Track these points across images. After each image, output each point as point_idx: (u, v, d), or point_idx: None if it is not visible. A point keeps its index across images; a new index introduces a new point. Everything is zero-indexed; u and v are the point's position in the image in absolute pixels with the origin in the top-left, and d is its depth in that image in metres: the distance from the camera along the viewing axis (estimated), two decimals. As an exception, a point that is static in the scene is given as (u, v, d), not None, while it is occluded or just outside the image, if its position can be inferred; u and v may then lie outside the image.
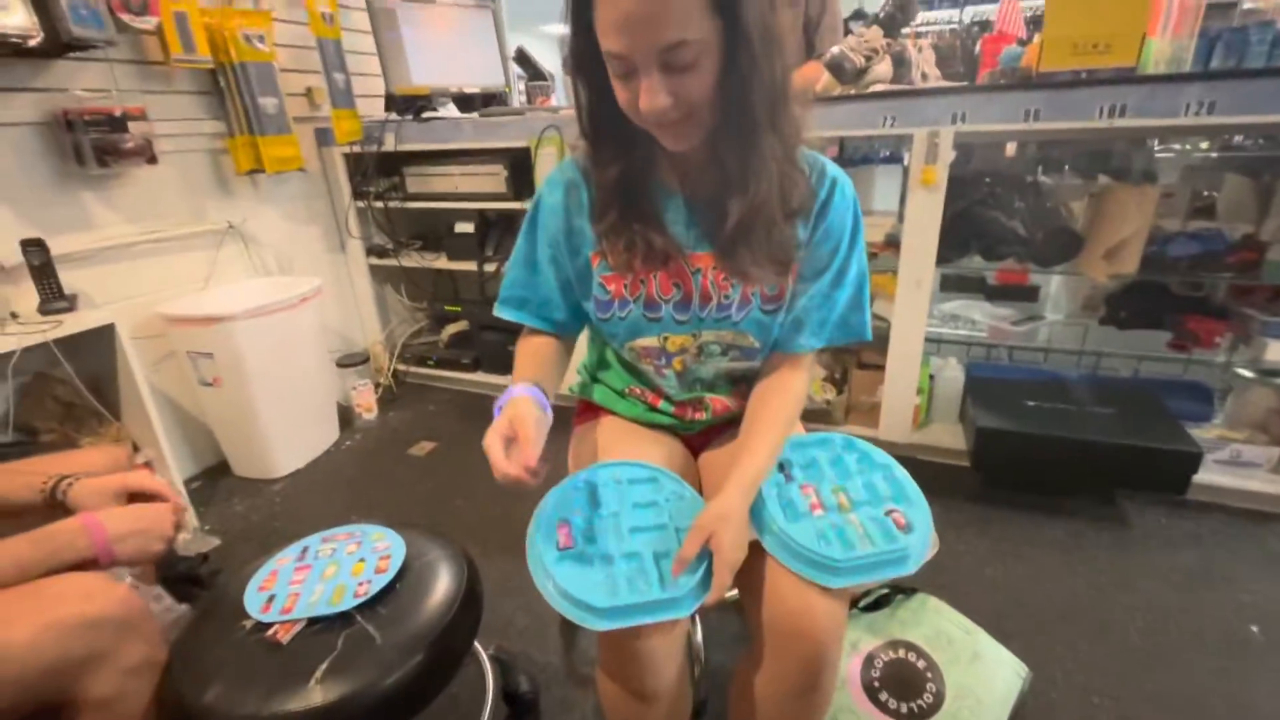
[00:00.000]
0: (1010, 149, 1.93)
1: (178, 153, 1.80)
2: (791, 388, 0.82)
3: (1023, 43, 1.51)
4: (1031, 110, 1.39)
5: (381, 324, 2.50)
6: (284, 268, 2.16)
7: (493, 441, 0.67)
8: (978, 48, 1.61)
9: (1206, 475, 1.51)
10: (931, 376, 1.82)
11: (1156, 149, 1.89)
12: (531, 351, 0.85)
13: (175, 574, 1.45)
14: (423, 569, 0.88)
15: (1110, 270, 1.45)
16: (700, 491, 0.90)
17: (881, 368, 1.81)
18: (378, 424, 2.25)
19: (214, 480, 1.93)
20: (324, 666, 0.71)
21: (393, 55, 2.02)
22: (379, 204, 2.24)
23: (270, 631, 0.76)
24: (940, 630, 1.08)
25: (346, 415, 2.23)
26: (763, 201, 0.70)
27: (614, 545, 0.71)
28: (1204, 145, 1.72)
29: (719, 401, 0.90)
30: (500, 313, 0.87)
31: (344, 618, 0.78)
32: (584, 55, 0.68)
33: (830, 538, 0.70)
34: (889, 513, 0.72)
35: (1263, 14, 1.47)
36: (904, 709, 1.00)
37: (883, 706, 1.01)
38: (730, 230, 0.72)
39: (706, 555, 0.68)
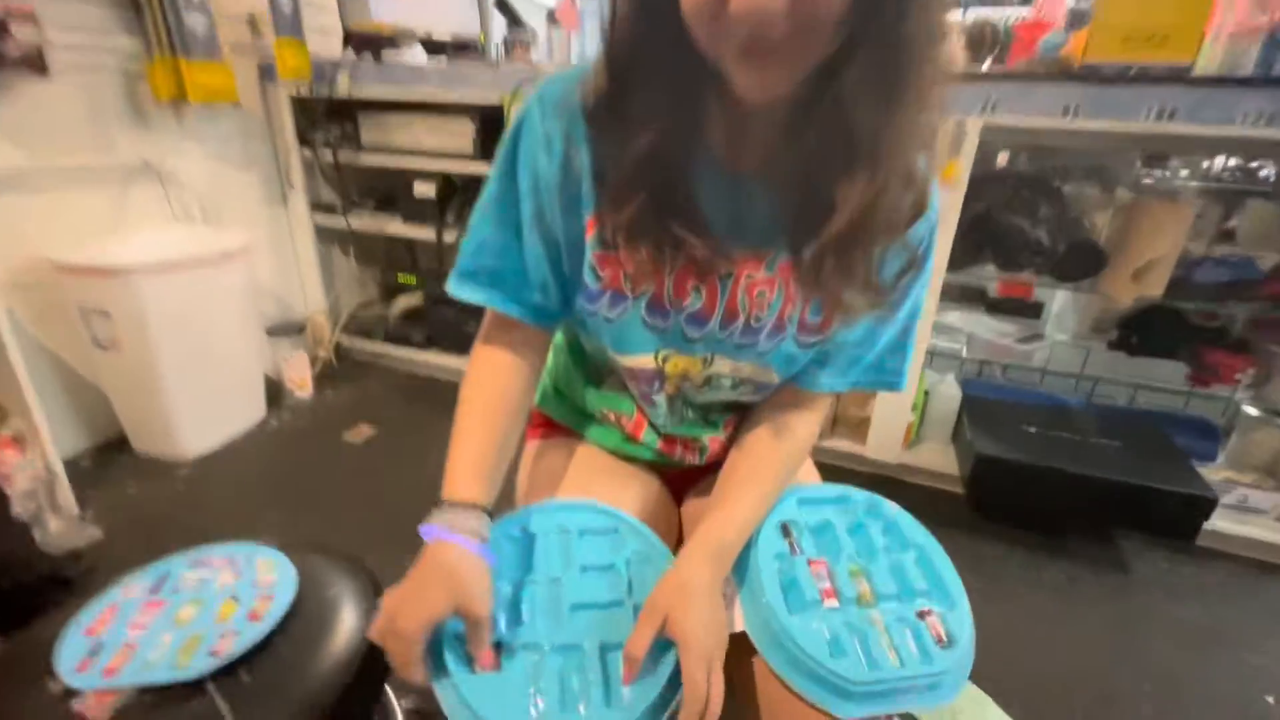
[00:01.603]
0: (1002, 158, 1.79)
1: (81, 70, 1.52)
2: (797, 432, 0.64)
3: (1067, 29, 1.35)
4: (1071, 106, 1.24)
5: (325, 291, 2.24)
6: (211, 217, 1.89)
7: (410, 639, 0.47)
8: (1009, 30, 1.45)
9: (1211, 520, 1.40)
10: (926, 393, 1.68)
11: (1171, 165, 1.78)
12: (497, 389, 0.61)
13: (34, 577, 1.21)
14: (318, 611, 0.67)
15: (1137, 291, 1.32)
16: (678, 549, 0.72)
17: (873, 380, 1.66)
18: (312, 403, 2.00)
19: (108, 458, 1.66)
20: (145, 766, 0.51)
21: (352, -17, 1.76)
22: (328, 152, 1.99)
23: (80, 703, 0.55)
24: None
25: (276, 391, 1.98)
26: (892, 195, 0.48)
27: (545, 629, 0.51)
28: (1229, 163, 1.61)
29: (718, 443, 0.71)
30: (459, 291, 0.61)
31: (190, 687, 0.57)
32: None
33: (846, 646, 0.51)
34: (923, 614, 0.54)
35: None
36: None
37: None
38: (840, 230, 0.48)
39: (666, 649, 0.49)
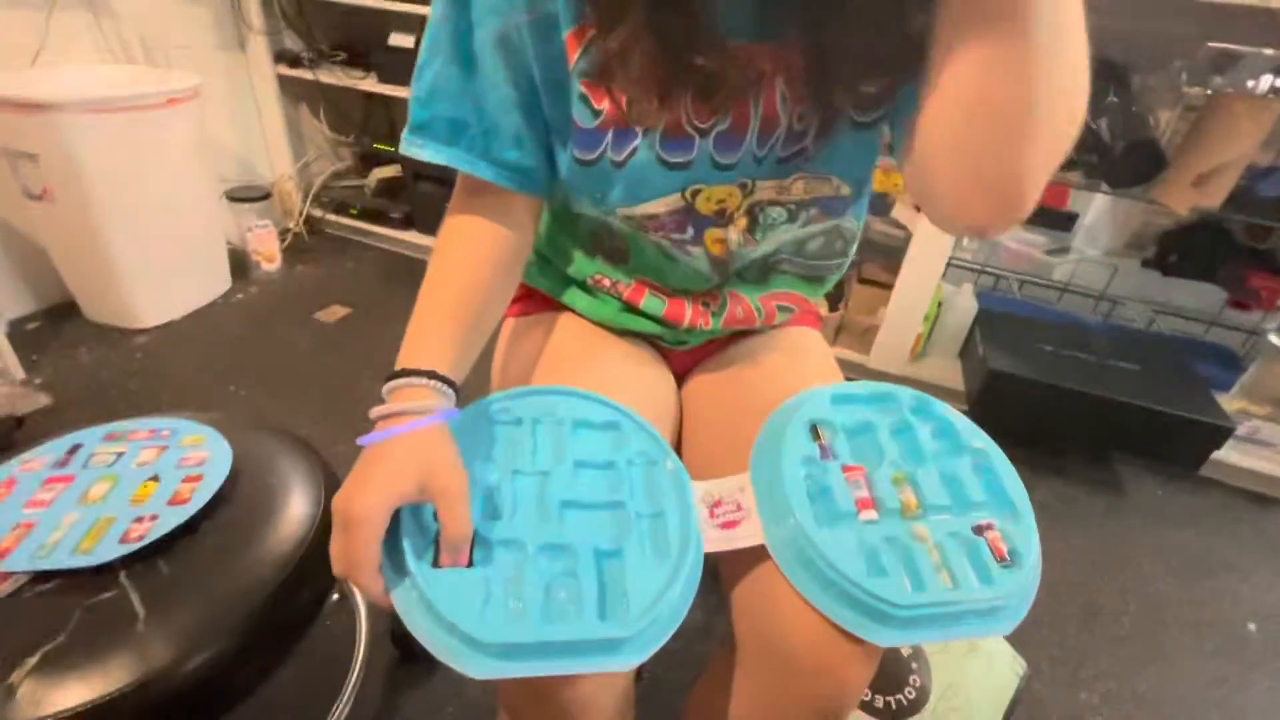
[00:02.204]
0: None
1: None
2: None
3: None
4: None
5: (294, 155, 2.03)
6: (154, 57, 1.65)
7: (367, 521, 0.36)
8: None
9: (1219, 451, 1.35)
10: (940, 304, 1.57)
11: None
12: (460, 265, 0.49)
13: (-30, 440, 1.12)
14: (256, 498, 0.59)
15: (1195, 200, 1.19)
16: (679, 443, 0.62)
17: (886, 285, 1.54)
18: (281, 277, 1.86)
19: (58, 323, 1.54)
20: (34, 660, 0.43)
21: None
22: (289, -11, 1.72)
23: (-37, 588, 0.47)
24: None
25: (242, 263, 1.84)
26: None
27: (529, 526, 0.42)
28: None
29: (741, 307, 0.59)
30: (413, 149, 0.48)
31: (98, 576, 0.49)
32: None
33: (886, 564, 0.42)
34: (981, 529, 0.44)
35: None
36: (879, 703, 0.82)
37: (854, 696, 0.83)
38: None
39: None
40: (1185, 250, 1.44)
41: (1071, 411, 1.31)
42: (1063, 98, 0.37)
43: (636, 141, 0.45)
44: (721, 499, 0.48)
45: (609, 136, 0.45)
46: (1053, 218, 1.71)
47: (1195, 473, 1.39)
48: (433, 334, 0.46)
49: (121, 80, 1.47)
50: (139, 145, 1.38)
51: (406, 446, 0.40)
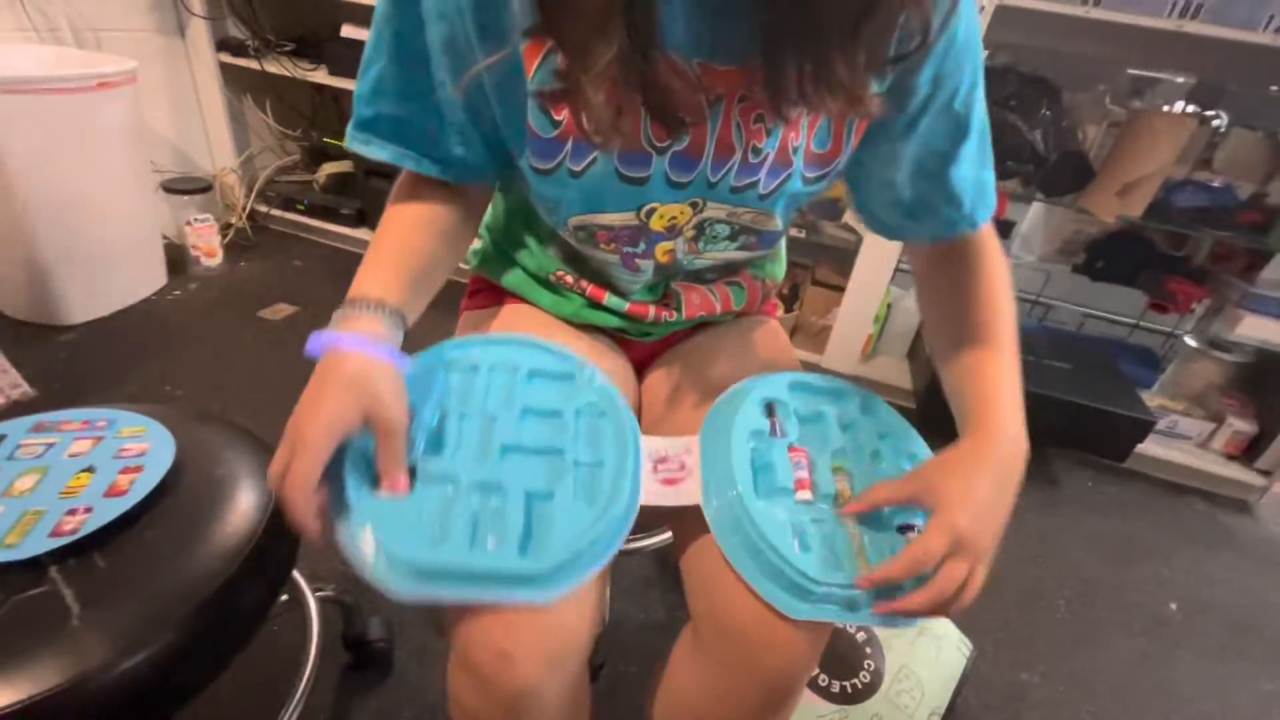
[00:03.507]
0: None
1: None
2: (985, 265, 0.52)
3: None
4: (1094, -11, 1.12)
5: (237, 148, 1.95)
6: (85, 40, 1.56)
7: (312, 446, 0.38)
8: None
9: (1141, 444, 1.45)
10: (889, 306, 1.64)
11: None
12: (405, 228, 0.49)
13: None
14: (201, 491, 0.56)
15: (1120, 209, 1.27)
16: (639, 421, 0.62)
17: (838, 288, 1.59)
18: (222, 274, 1.78)
19: (-30, 319, 1.43)
20: (-47, 663, 0.40)
21: None
22: (234, -25, 1.66)
23: None
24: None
25: (180, 258, 1.75)
26: None
27: (466, 464, 0.44)
28: (1189, 109, 1.53)
29: (697, 295, 0.61)
30: (358, 145, 0.48)
31: (26, 569, 0.46)
32: None
33: (812, 543, 0.44)
34: (904, 529, 0.47)
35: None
36: (835, 687, 0.84)
37: (811, 683, 0.85)
38: (832, 11, 0.36)
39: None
40: (1111, 257, 1.54)
41: (1011, 408, 1.38)
42: None
43: (596, 153, 0.45)
44: (668, 455, 0.49)
45: (568, 146, 0.45)
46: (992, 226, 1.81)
47: (1121, 465, 1.48)
48: (378, 272, 0.46)
49: (47, 61, 1.39)
50: (66, 131, 1.30)
51: (351, 373, 0.40)
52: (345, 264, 1.92)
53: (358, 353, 0.41)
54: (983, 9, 1.17)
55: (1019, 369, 0.49)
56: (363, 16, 1.67)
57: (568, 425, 0.47)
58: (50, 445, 0.56)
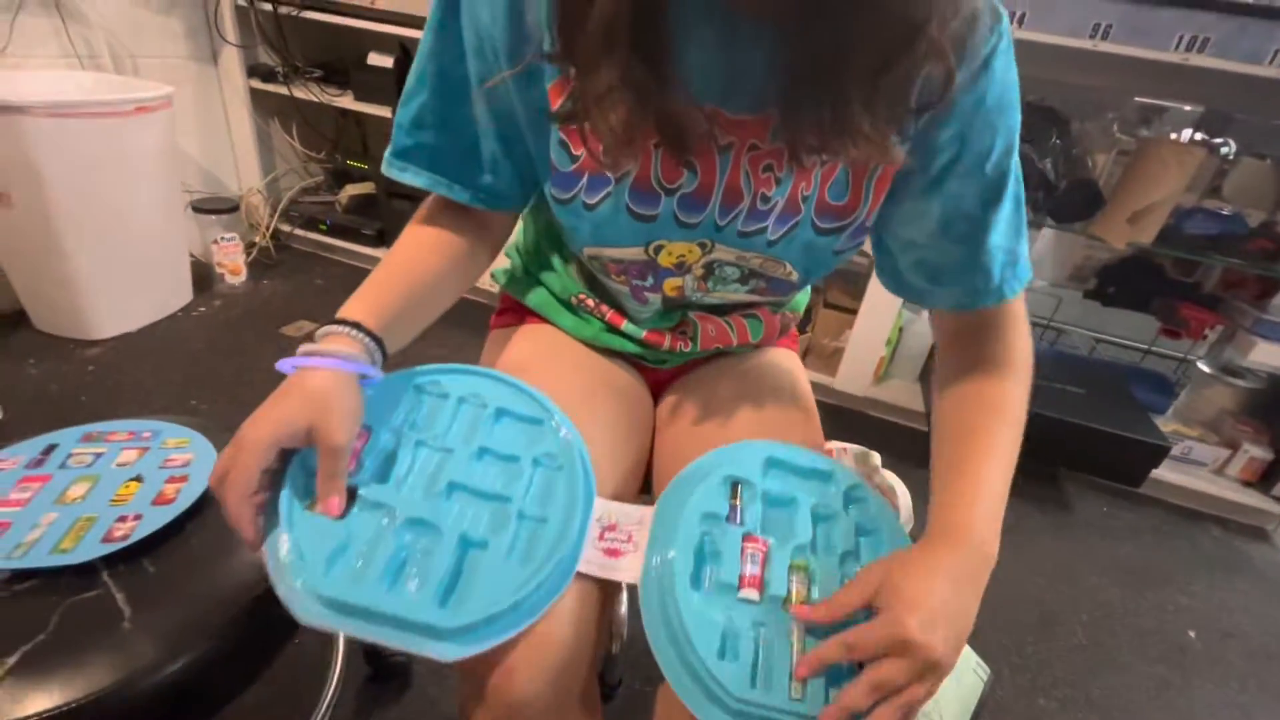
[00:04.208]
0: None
1: None
2: (1007, 352, 0.51)
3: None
4: (1102, 26, 1.15)
5: (263, 169, 2.00)
6: (123, 65, 1.62)
7: (250, 450, 0.39)
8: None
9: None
10: (900, 329, 1.65)
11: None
12: (416, 250, 0.52)
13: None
14: (241, 499, 0.58)
15: (1130, 236, 1.29)
16: (651, 459, 0.63)
17: (850, 310, 1.61)
18: (246, 291, 1.82)
19: (3, 333, 1.47)
20: (13, 660, 0.42)
21: None
22: (267, 5, 1.72)
23: (-70, 587, 0.45)
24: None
25: (205, 275, 1.79)
26: (925, 20, 0.36)
27: (408, 496, 0.43)
28: (1197, 135, 1.55)
29: (713, 325, 0.61)
30: (395, 172, 0.51)
31: (80, 573, 0.48)
32: None
33: (741, 648, 0.40)
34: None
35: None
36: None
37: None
38: (855, 59, 0.38)
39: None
40: (1122, 283, 1.55)
41: (1025, 431, 1.38)
42: None
43: (609, 188, 0.47)
44: (617, 524, 0.47)
45: (584, 180, 0.47)
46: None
47: (1136, 490, 1.47)
48: (369, 295, 0.48)
49: (88, 86, 1.44)
50: (104, 153, 1.35)
51: (311, 387, 0.42)
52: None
53: (321, 368, 0.42)
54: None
55: (1009, 478, 0.47)
56: (388, 45, 1.73)
57: (522, 472, 0.46)
58: (99, 455, 0.58)
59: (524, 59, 0.43)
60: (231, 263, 1.80)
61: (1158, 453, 1.31)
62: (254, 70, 1.85)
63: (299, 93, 1.83)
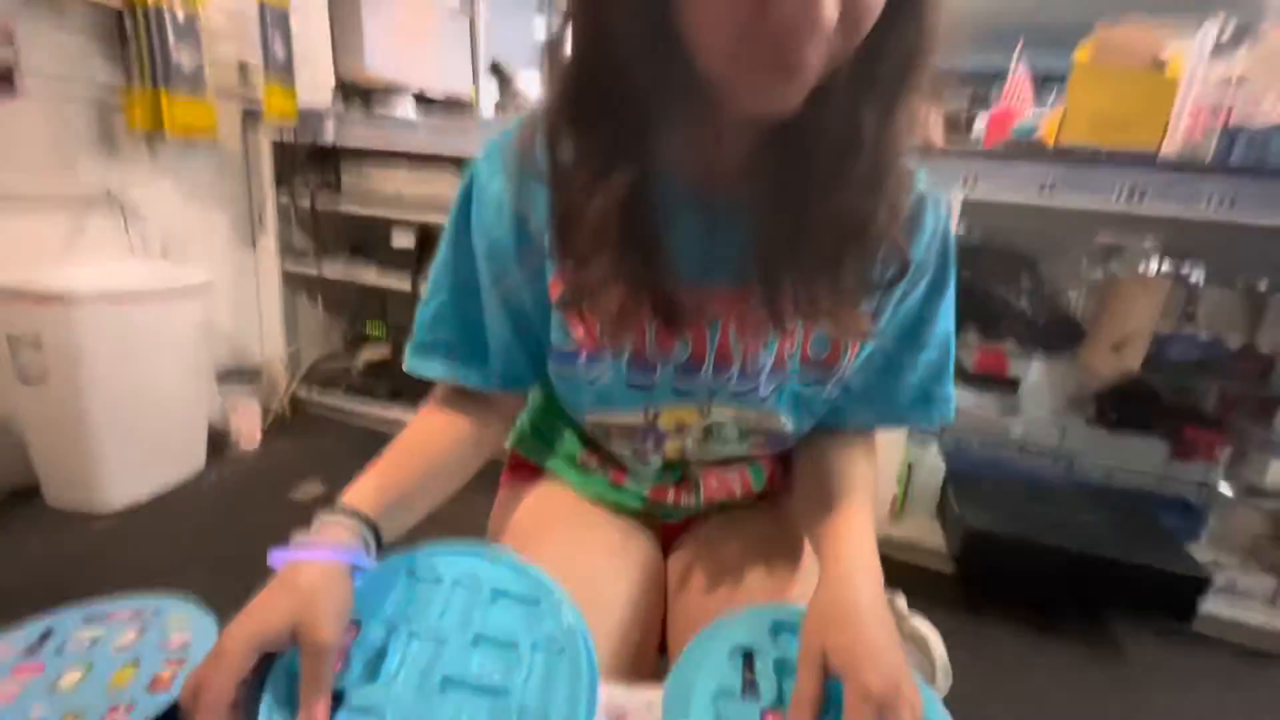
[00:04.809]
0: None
1: (53, 94, 1.47)
2: (856, 462, 0.57)
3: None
4: (1047, 183, 1.29)
5: (287, 339, 2.13)
6: (173, 254, 1.80)
7: (227, 659, 0.37)
8: (982, 122, 1.54)
9: (1204, 603, 1.35)
10: (910, 465, 1.64)
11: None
12: (425, 432, 0.55)
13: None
14: (237, 682, 0.55)
15: (1117, 364, 1.33)
16: (666, 616, 0.62)
17: (857, 448, 1.61)
18: (259, 456, 1.85)
19: (12, 510, 1.47)
20: None
21: (348, 35, 1.79)
22: (305, 197, 1.94)
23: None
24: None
25: (220, 441, 1.83)
26: (870, 214, 0.43)
27: (400, 698, 0.40)
28: (1164, 266, 1.67)
29: (715, 479, 0.63)
30: (418, 368, 0.56)
31: (60, 775, 0.45)
32: None
33: None
34: None
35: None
36: None
37: None
38: (817, 244, 0.44)
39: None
40: (1121, 408, 1.57)
41: (1053, 567, 1.32)
42: None
43: (607, 362, 0.51)
44: (626, 713, 0.44)
45: (583, 357, 0.51)
46: (996, 384, 1.87)
47: (1189, 628, 1.37)
48: (372, 480, 0.50)
49: (139, 273, 1.59)
50: (143, 334, 1.45)
51: (298, 583, 0.41)
52: (378, 443, 1.96)
53: (312, 561, 0.42)
54: (950, 206, 1.34)
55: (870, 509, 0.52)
56: (409, 227, 1.92)
57: (522, 659, 0.43)
58: (96, 639, 0.57)
59: (529, 259, 0.49)
60: (249, 429, 1.85)
61: (1198, 584, 1.24)
62: (287, 251, 2.05)
63: (328, 271, 2.01)
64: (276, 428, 2.00)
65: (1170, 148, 1.30)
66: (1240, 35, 1.42)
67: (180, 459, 1.67)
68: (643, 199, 0.44)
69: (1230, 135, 1.21)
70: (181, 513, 1.55)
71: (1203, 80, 1.30)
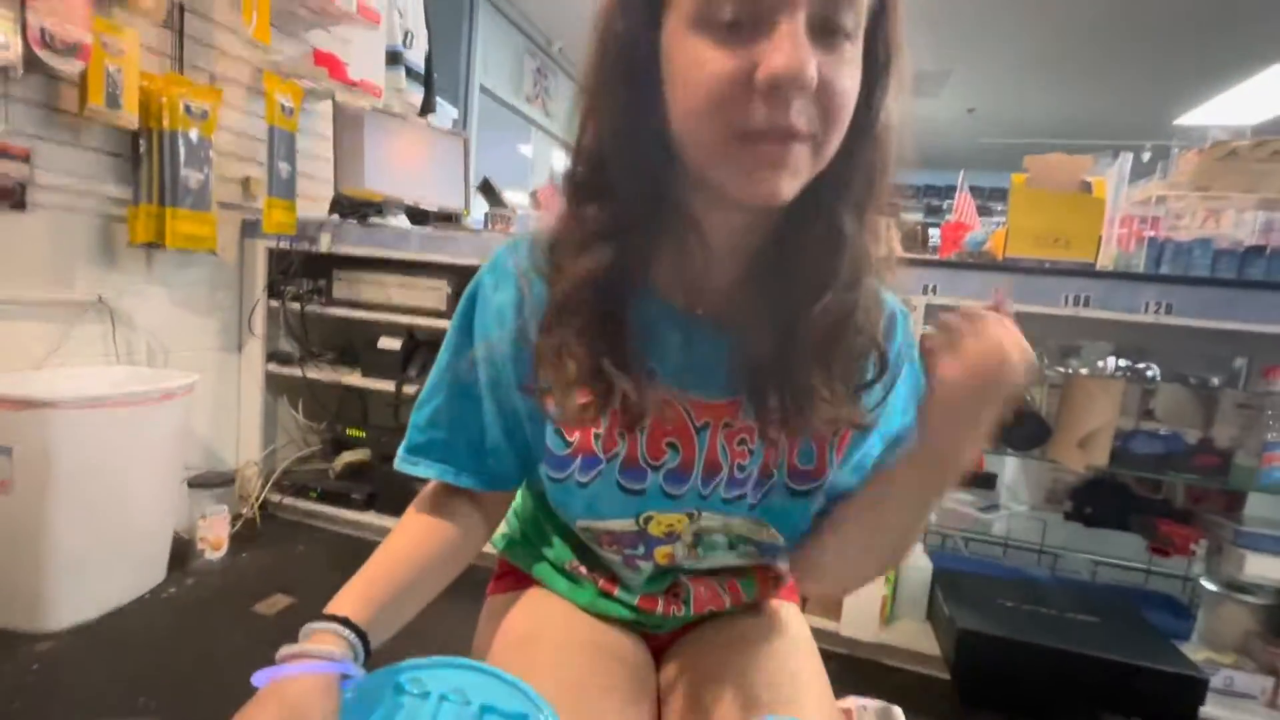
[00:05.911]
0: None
1: (60, 209, 1.53)
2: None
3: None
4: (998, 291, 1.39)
5: (263, 442, 2.09)
6: (157, 359, 1.81)
7: None
8: (934, 237, 1.68)
9: (1204, 705, 1.32)
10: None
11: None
12: (415, 533, 0.56)
13: None
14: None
15: (1085, 459, 1.38)
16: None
17: (843, 548, 1.60)
18: (223, 566, 1.76)
19: (-53, 630, 1.37)
20: None
21: (349, 157, 1.92)
22: (295, 305, 1.99)
23: None
24: None
25: (184, 551, 1.74)
26: (854, 310, 0.47)
27: None
28: (1120, 363, 1.78)
29: (705, 588, 0.63)
30: (409, 467, 0.58)
31: None
32: (635, 43, 0.43)
33: None
34: None
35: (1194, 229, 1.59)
36: None
37: None
38: (807, 345, 0.47)
39: None
40: (1095, 503, 1.60)
41: (1047, 669, 1.29)
42: (915, 539, 0.57)
43: (600, 467, 0.53)
44: None
45: (577, 461, 0.53)
46: (973, 479, 1.90)
47: (1195, 735, 1.32)
48: (359, 587, 0.50)
49: (120, 379, 1.58)
50: (118, 441, 1.42)
51: (285, 697, 0.41)
52: (349, 550, 1.91)
53: (299, 676, 0.43)
54: (914, 308, 1.44)
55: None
56: (397, 330, 1.97)
57: None
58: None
59: (525, 369, 0.53)
60: (215, 537, 1.77)
61: (1195, 686, 1.22)
62: (272, 355, 2.06)
63: (312, 374, 2.02)
64: (244, 535, 1.91)
65: (1106, 259, 1.43)
66: (1156, 159, 1.61)
67: (138, 573, 1.58)
68: (616, 281, 0.48)
69: (1158, 247, 1.34)
70: (132, 631, 1.44)
71: (1126, 199, 1.46)
